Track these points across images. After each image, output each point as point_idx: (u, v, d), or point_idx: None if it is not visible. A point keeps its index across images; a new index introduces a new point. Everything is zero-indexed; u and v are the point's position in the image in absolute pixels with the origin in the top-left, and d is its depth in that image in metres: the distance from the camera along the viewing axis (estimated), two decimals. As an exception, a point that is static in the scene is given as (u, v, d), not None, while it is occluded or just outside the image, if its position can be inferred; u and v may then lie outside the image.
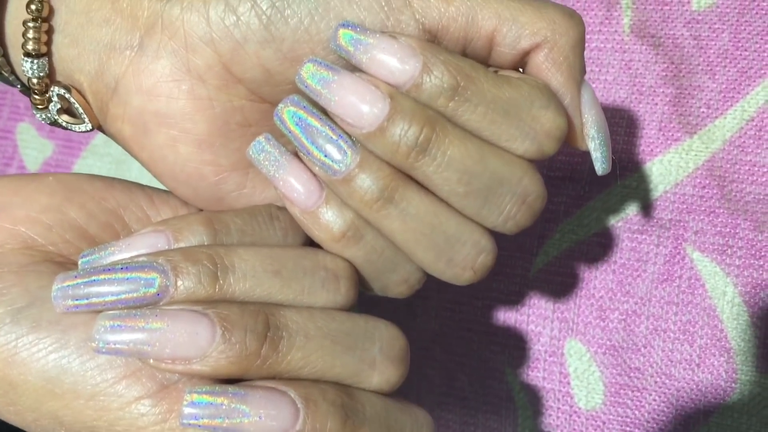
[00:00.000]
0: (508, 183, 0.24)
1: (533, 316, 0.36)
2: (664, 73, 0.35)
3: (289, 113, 0.24)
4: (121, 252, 0.24)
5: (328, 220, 0.25)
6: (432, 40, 0.25)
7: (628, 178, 0.35)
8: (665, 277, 0.34)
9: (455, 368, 0.37)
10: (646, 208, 0.35)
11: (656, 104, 0.35)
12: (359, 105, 0.24)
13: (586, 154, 0.36)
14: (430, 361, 0.37)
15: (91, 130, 0.26)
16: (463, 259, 0.25)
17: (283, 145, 0.26)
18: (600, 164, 0.27)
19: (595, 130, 0.26)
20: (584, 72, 0.26)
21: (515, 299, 0.36)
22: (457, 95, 0.24)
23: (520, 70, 0.26)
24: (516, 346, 0.36)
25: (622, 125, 0.36)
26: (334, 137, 0.24)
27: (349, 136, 0.24)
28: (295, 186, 0.25)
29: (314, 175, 0.25)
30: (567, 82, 0.25)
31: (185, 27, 0.24)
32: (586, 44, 0.37)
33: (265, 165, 0.25)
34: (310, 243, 0.27)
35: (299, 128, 0.24)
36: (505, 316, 0.36)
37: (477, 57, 0.26)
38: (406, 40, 0.24)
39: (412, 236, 0.25)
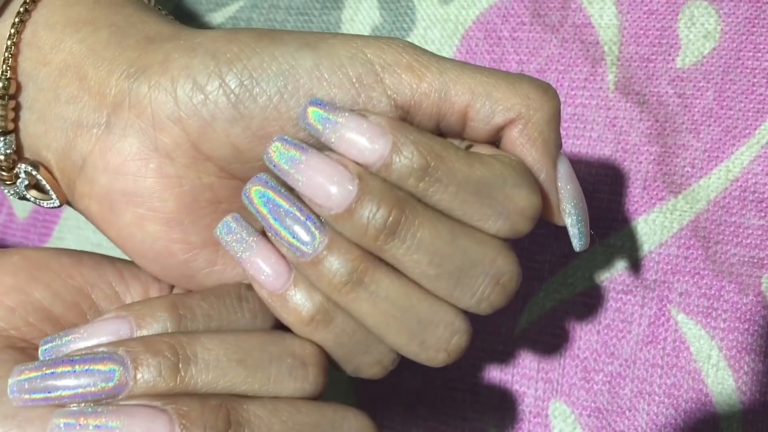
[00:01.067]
0: (480, 264, 0.24)
1: (518, 376, 0.35)
2: (648, 131, 0.35)
3: (257, 193, 0.24)
4: (82, 340, 0.24)
5: (297, 302, 0.25)
6: (405, 116, 0.24)
7: (612, 237, 0.35)
8: (650, 339, 0.33)
9: (439, 427, 0.36)
10: (631, 268, 0.34)
11: (641, 162, 0.35)
12: (327, 186, 0.23)
13: (571, 212, 0.35)
14: (413, 420, 0.37)
15: (60, 206, 0.26)
16: (437, 341, 0.25)
17: (251, 225, 0.25)
18: (577, 240, 0.26)
19: (571, 205, 0.26)
20: (560, 146, 0.26)
21: (500, 358, 0.36)
22: (427, 175, 0.23)
23: (496, 144, 0.26)
24: (500, 406, 0.36)
25: (606, 183, 0.35)
26: (302, 218, 0.24)
27: (318, 217, 0.24)
28: (262, 268, 0.25)
29: (283, 256, 0.25)
30: (542, 158, 0.25)
31: (153, 105, 0.24)
32: (571, 100, 0.37)
33: (232, 246, 0.25)
34: (280, 324, 0.27)
35: (267, 208, 0.24)
36: (490, 376, 0.36)
37: (451, 132, 0.25)
38: (375, 118, 0.23)
39: (383, 319, 0.24)
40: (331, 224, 0.24)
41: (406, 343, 0.25)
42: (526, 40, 0.38)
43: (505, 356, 0.36)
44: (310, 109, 0.24)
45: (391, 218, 0.23)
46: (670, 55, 0.35)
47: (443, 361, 0.25)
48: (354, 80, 0.24)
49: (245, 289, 0.26)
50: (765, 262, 0.33)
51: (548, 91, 0.25)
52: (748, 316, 0.32)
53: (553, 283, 0.35)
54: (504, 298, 0.25)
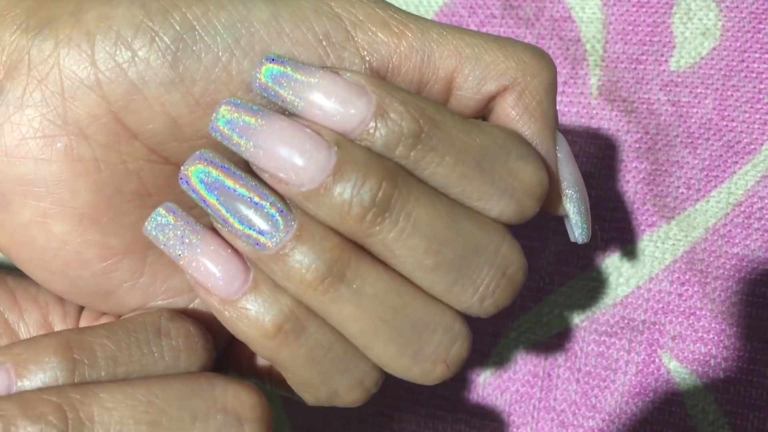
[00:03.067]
0: (484, 251, 0.20)
1: (485, 430, 0.31)
2: (637, 145, 0.30)
3: (197, 174, 0.20)
4: None
5: (258, 310, 0.20)
6: None
7: (594, 270, 0.30)
8: (637, 390, 0.29)
9: (395, 487, 0.32)
10: (616, 307, 0.29)
11: (628, 182, 0.30)
12: (295, 156, 0.19)
13: (546, 237, 0.31)
14: (366, 477, 0.32)
15: None
16: (434, 350, 0.21)
17: (194, 217, 0.21)
18: (579, 231, 0.22)
19: (573, 189, 0.22)
20: (558, 121, 0.22)
21: (464, 409, 0.31)
22: (420, 143, 0.19)
23: (484, 118, 0.22)
24: (464, 463, 0.31)
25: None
26: (261, 201, 0.19)
27: (282, 198, 0.20)
28: (210, 269, 0.20)
29: (237, 252, 0.20)
30: (542, 132, 0.21)
31: (61, 66, 0.19)
32: (548, 108, 0.32)
33: (168, 244, 0.20)
34: (216, 363, 0.22)
35: (212, 193, 0.20)
36: (453, 429, 0.31)
37: None
38: (352, 76, 0.19)
39: (370, 324, 0.20)
40: (301, 206, 0.19)
41: (397, 354, 0.21)
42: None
43: (470, 406, 0.31)
44: (266, 67, 0.19)
45: (381, 192, 0.19)
46: (662, 55, 0.30)
47: (441, 376, 0.21)
48: (320, 37, 0.20)
49: (167, 320, 0.21)
50: (772, 302, 0.28)
51: (544, 56, 0.21)
52: (751, 366, 0.28)
53: (525, 321, 0.30)
54: (510, 293, 0.21)
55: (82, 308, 0.24)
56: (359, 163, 0.19)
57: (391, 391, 0.31)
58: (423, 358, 0.21)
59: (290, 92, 0.19)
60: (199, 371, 0.21)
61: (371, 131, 0.19)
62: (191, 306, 0.23)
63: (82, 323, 0.23)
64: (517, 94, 0.21)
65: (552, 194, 0.22)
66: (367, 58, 0.20)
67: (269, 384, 0.24)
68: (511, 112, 0.21)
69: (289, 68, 0.19)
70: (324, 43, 0.20)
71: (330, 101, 0.19)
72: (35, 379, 0.19)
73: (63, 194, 0.20)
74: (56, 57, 0.20)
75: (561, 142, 0.22)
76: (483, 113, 0.22)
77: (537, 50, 0.22)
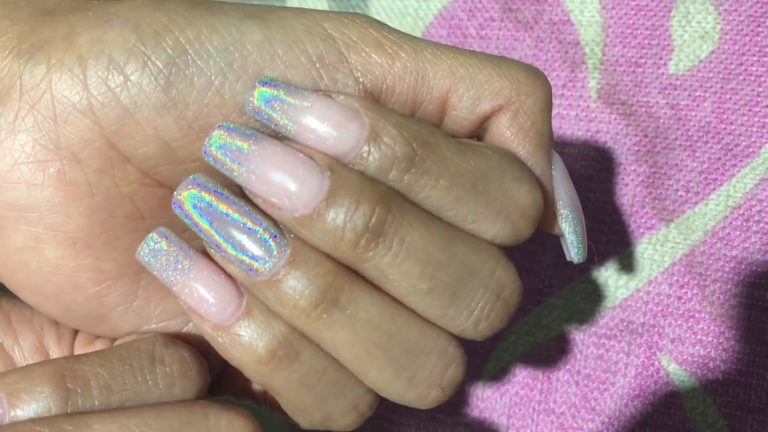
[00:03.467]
0: (479, 275, 0.20)
1: (484, 432, 0.31)
2: (636, 148, 0.30)
3: (190, 199, 0.20)
4: None
5: (251, 336, 0.20)
6: None
7: (593, 273, 0.30)
8: (637, 392, 0.29)
9: (395, 489, 0.32)
10: (615, 309, 0.30)
11: (627, 185, 0.30)
12: (288, 181, 0.19)
13: (545, 240, 0.31)
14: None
15: None
16: (429, 374, 0.21)
17: (186, 241, 0.21)
18: (576, 251, 0.22)
19: (568, 209, 0.22)
20: (553, 141, 0.22)
21: (464, 412, 0.31)
22: (413, 166, 0.19)
23: (478, 138, 0.22)
24: (464, 466, 0.31)
25: (586, 209, 0.30)
26: (254, 227, 0.19)
27: (275, 223, 0.20)
28: (203, 295, 0.20)
29: (230, 277, 0.20)
30: (537, 152, 0.21)
31: (53, 91, 0.19)
32: (547, 111, 0.32)
33: (161, 270, 0.20)
34: (212, 385, 0.22)
35: (205, 218, 0.19)
36: None
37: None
38: (346, 99, 0.19)
39: (364, 349, 0.20)
40: (294, 231, 0.19)
41: (392, 378, 0.21)
42: (495, 39, 0.33)
43: (469, 410, 0.31)
44: (259, 90, 0.19)
45: (374, 218, 0.19)
46: (661, 58, 0.31)
47: (436, 400, 0.21)
48: (314, 59, 0.20)
49: (161, 346, 0.21)
50: (771, 304, 0.28)
51: (539, 75, 0.21)
52: (750, 369, 0.28)
53: (525, 325, 0.30)
54: (505, 316, 0.21)
55: (77, 331, 0.24)
56: (352, 188, 0.19)
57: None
58: (418, 383, 0.21)
59: (283, 116, 0.19)
60: (194, 398, 0.21)
61: (365, 155, 0.19)
62: (185, 329, 0.23)
63: (77, 346, 0.23)
64: (512, 114, 0.21)
65: (547, 214, 0.22)
66: (361, 80, 0.20)
67: (264, 406, 0.24)
68: (505, 132, 0.21)
69: (282, 92, 0.19)
70: (317, 65, 0.20)
71: (323, 125, 0.19)
72: (28, 408, 0.19)
73: (56, 219, 0.20)
74: (48, 82, 0.19)
75: (557, 161, 0.22)
76: (478, 133, 0.22)
77: (531, 69, 0.21)
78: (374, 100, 0.20)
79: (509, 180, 0.20)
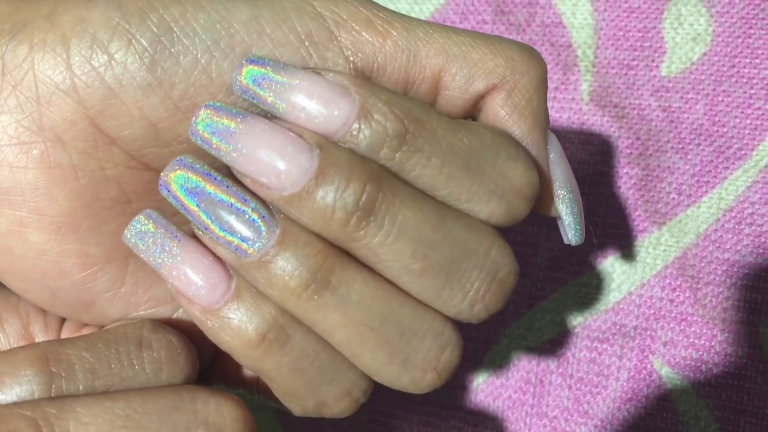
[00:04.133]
0: (474, 255, 0.20)
1: (477, 436, 0.31)
2: (628, 151, 0.30)
3: (177, 180, 0.19)
4: None
5: (241, 319, 0.20)
6: None
7: (586, 276, 0.30)
8: (629, 395, 0.29)
9: (388, 493, 0.32)
10: (608, 312, 0.29)
11: (619, 188, 0.30)
12: (276, 160, 0.18)
13: (538, 243, 0.31)
14: (359, 484, 0.32)
15: None
16: (424, 357, 0.20)
17: (174, 224, 0.20)
18: (573, 233, 0.22)
19: (565, 190, 0.21)
20: (549, 121, 0.21)
21: (457, 416, 0.31)
22: (405, 144, 0.19)
23: (472, 118, 0.22)
24: (457, 469, 0.31)
25: (579, 212, 0.30)
26: (242, 207, 0.19)
27: (264, 203, 0.19)
28: (191, 278, 0.20)
29: (218, 259, 0.20)
30: (532, 131, 0.21)
31: (36, 71, 0.19)
32: (539, 113, 0.32)
33: (148, 252, 0.20)
34: (203, 373, 0.21)
35: (193, 199, 0.19)
36: (445, 435, 0.31)
37: None
38: (335, 76, 0.19)
39: (356, 332, 0.19)
40: (283, 211, 0.19)
41: (386, 362, 0.20)
42: (487, 42, 0.33)
43: (463, 413, 0.31)
44: (247, 68, 0.19)
45: (365, 196, 0.18)
46: (653, 60, 0.30)
47: (431, 384, 0.21)
48: (303, 37, 0.19)
49: (149, 331, 0.21)
50: (764, 307, 0.28)
51: (534, 54, 0.21)
52: (742, 372, 0.28)
53: (517, 328, 0.30)
54: (501, 297, 0.20)
55: (64, 319, 0.23)
56: (342, 166, 0.19)
57: (384, 398, 0.31)
58: (412, 366, 0.20)
59: (272, 94, 0.19)
60: (181, 383, 0.21)
61: (355, 133, 0.19)
62: (175, 316, 0.23)
63: (64, 334, 0.23)
64: (506, 93, 0.20)
65: (544, 195, 0.21)
66: (351, 58, 0.20)
67: (257, 394, 0.23)
68: (500, 111, 0.21)
69: (270, 70, 0.19)
70: (306, 43, 0.19)
71: (312, 103, 0.19)
72: (11, 392, 0.19)
73: (40, 202, 0.20)
74: (31, 62, 0.19)
75: (552, 142, 0.22)
76: (472, 113, 0.21)
77: (526, 47, 0.21)
78: (365, 78, 0.20)
79: (503, 158, 0.20)
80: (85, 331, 0.23)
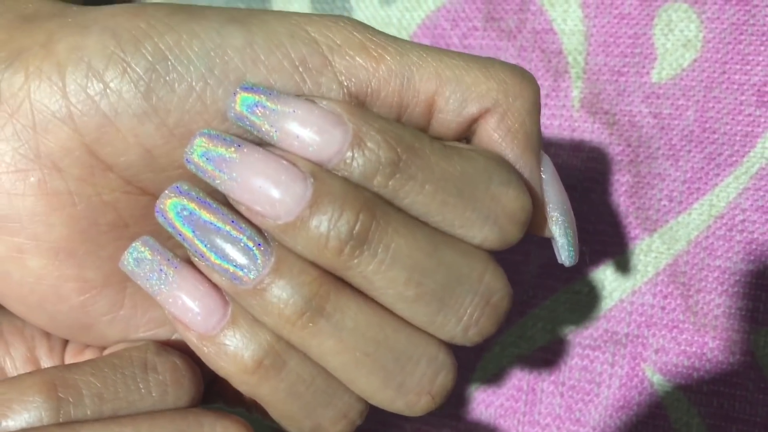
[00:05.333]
0: (467, 280, 0.20)
1: (469, 444, 0.31)
2: (619, 158, 0.30)
3: (173, 207, 0.19)
4: None
5: (237, 346, 0.20)
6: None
7: (578, 283, 0.30)
8: (621, 403, 0.29)
9: (381, 501, 0.32)
10: (599, 320, 0.29)
11: (610, 194, 0.30)
12: (270, 188, 0.19)
13: (529, 251, 0.31)
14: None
15: None
16: (418, 381, 0.20)
17: (170, 250, 0.21)
18: (567, 254, 0.22)
19: (559, 212, 0.22)
20: (542, 143, 0.21)
21: (449, 424, 0.31)
22: (398, 172, 0.19)
23: (466, 141, 0.22)
24: (450, 477, 0.31)
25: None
26: (238, 235, 0.19)
27: (259, 231, 0.19)
28: (188, 304, 0.20)
29: (215, 286, 0.20)
30: (525, 154, 0.21)
31: (32, 99, 0.19)
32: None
33: (145, 279, 0.20)
34: (206, 390, 0.22)
35: (189, 226, 0.19)
36: (438, 443, 0.31)
37: (414, 127, 0.21)
38: (329, 104, 0.19)
39: (351, 358, 0.20)
40: (278, 239, 0.19)
41: (381, 387, 0.20)
42: (478, 48, 0.33)
43: (455, 421, 0.31)
44: (241, 96, 0.19)
45: (358, 225, 0.19)
46: (644, 67, 0.30)
47: (426, 407, 0.21)
48: (297, 63, 0.20)
49: (153, 354, 0.21)
50: (755, 314, 0.28)
51: (526, 76, 0.21)
52: (734, 379, 0.28)
53: (510, 335, 0.30)
54: (495, 322, 0.21)
55: (67, 341, 0.24)
56: (336, 195, 0.19)
57: (372, 410, 0.31)
58: (407, 390, 0.21)
59: (266, 122, 0.19)
60: (187, 405, 0.21)
61: (348, 161, 0.19)
62: (174, 337, 0.23)
63: (67, 356, 0.23)
64: (499, 116, 0.21)
65: (537, 217, 0.22)
66: (345, 83, 0.20)
67: (255, 413, 0.24)
68: (493, 135, 0.21)
69: (264, 97, 0.19)
70: (300, 69, 0.20)
71: (306, 131, 0.19)
72: (19, 419, 0.19)
73: (38, 228, 0.20)
74: (27, 90, 0.19)
75: (546, 164, 0.22)
76: (465, 136, 0.22)
77: (519, 70, 0.21)
78: (359, 104, 0.20)
79: (497, 184, 0.20)
80: (88, 353, 0.23)
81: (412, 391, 0.21)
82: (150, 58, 0.19)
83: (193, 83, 0.19)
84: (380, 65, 0.20)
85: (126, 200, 0.21)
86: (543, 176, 0.22)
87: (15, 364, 0.23)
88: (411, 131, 0.20)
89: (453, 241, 0.20)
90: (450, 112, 0.21)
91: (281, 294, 0.19)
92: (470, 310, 0.20)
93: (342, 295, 0.20)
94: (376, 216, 0.19)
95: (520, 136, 0.21)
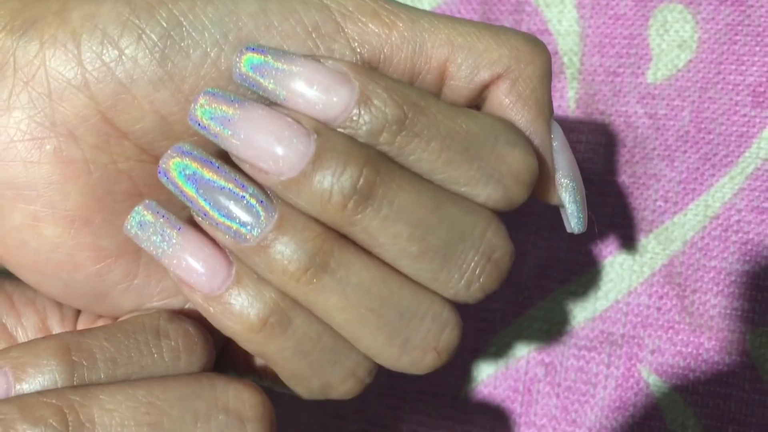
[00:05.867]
0: (470, 237, 0.20)
1: (465, 445, 0.31)
2: (615, 158, 0.30)
3: (176, 167, 0.20)
4: None
5: (242, 304, 0.20)
6: None
7: (574, 284, 0.30)
8: (617, 404, 0.29)
9: (377, 503, 0.32)
10: (595, 321, 0.29)
11: (606, 195, 0.30)
12: (274, 145, 0.19)
13: (525, 251, 0.31)
14: (348, 494, 0.32)
15: None
16: (423, 337, 0.20)
17: (174, 213, 0.21)
18: (576, 221, 0.22)
19: (569, 178, 0.22)
20: (552, 110, 0.22)
21: (445, 424, 0.31)
22: (404, 129, 0.19)
23: (477, 108, 0.22)
24: (446, 479, 0.31)
25: (566, 220, 0.30)
26: (240, 192, 0.19)
27: (262, 189, 0.19)
28: (192, 265, 0.20)
29: (218, 246, 0.20)
30: (536, 120, 0.21)
31: (48, 67, 0.19)
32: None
33: (149, 242, 0.20)
34: (215, 361, 0.21)
35: (192, 185, 0.19)
36: (434, 444, 0.31)
37: None
38: (334, 63, 0.19)
39: (356, 314, 0.20)
40: (281, 196, 0.19)
41: (386, 343, 0.20)
42: (474, 49, 0.33)
43: (450, 423, 0.31)
44: (246, 56, 0.19)
45: (362, 180, 0.19)
46: (639, 68, 0.30)
47: (432, 364, 0.21)
48: (310, 29, 0.20)
49: (165, 321, 0.21)
50: (750, 315, 0.28)
51: (538, 44, 0.21)
52: (730, 380, 0.28)
53: (505, 336, 0.30)
54: (497, 278, 0.21)
55: (79, 312, 0.24)
56: (339, 151, 0.19)
57: (372, 408, 0.31)
58: (412, 347, 0.21)
59: (272, 81, 0.19)
60: (199, 371, 0.21)
61: (355, 118, 0.19)
62: (187, 306, 0.23)
63: (80, 326, 0.23)
64: (511, 82, 0.21)
65: (547, 184, 0.22)
66: (358, 50, 0.20)
67: (267, 381, 0.23)
68: (504, 100, 0.21)
69: (270, 57, 0.19)
70: (314, 35, 0.20)
71: (312, 89, 0.19)
72: (34, 382, 0.19)
73: (53, 197, 0.20)
74: (42, 58, 0.19)
75: (556, 131, 0.22)
76: (477, 102, 0.22)
77: (530, 38, 0.21)
78: (371, 68, 0.20)
79: (502, 143, 0.20)
80: (100, 323, 0.23)
81: (417, 347, 0.21)
82: (165, 24, 0.19)
83: (208, 49, 0.19)
84: (392, 32, 0.20)
85: (141, 168, 0.21)
86: (553, 143, 0.22)
87: (27, 334, 0.23)
88: (417, 90, 0.20)
89: (456, 199, 0.20)
90: (462, 79, 0.21)
91: (285, 250, 0.19)
92: (473, 266, 0.20)
93: (346, 252, 0.20)
94: (380, 171, 0.19)
95: (531, 102, 0.21)
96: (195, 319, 0.22)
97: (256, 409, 0.20)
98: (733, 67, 0.30)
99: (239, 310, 0.20)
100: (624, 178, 0.30)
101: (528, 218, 0.31)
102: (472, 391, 0.31)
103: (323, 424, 0.32)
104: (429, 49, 0.20)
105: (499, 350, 0.30)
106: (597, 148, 0.30)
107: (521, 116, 0.21)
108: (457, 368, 0.31)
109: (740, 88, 0.29)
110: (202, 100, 0.19)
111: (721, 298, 0.28)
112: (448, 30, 0.20)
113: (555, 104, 0.31)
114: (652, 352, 0.29)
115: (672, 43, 0.30)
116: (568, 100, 0.31)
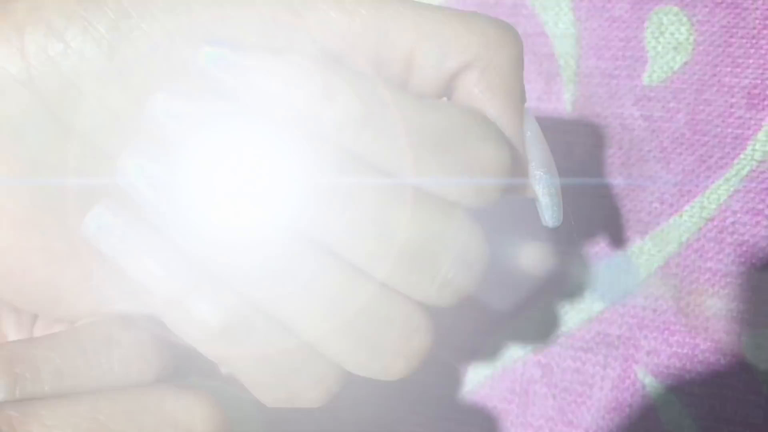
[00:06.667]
0: (441, 238, 0.19)
1: (462, 446, 0.31)
2: (610, 160, 0.30)
3: (133, 165, 0.19)
4: None
5: (202, 310, 0.19)
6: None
7: (569, 285, 0.30)
8: (613, 405, 0.29)
9: (374, 504, 0.32)
10: (592, 322, 0.30)
11: (602, 197, 0.30)
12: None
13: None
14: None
15: None
16: (393, 344, 0.20)
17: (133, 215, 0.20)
18: (550, 213, 0.21)
19: (542, 171, 0.21)
20: (525, 99, 0.21)
21: (442, 425, 0.31)
22: (369, 125, 0.18)
23: (446, 98, 0.21)
24: (443, 480, 0.31)
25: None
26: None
27: None
28: (151, 268, 0.19)
29: (178, 249, 0.19)
30: (506, 110, 0.20)
31: None
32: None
33: (106, 243, 0.19)
34: (170, 370, 0.21)
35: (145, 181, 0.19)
36: (431, 445, 0.31)
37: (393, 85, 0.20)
38: (296, 57, 0.18)
39: (321, 319, 0.19)
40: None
41: (353, 350, 0.19)
42: (471, 51, 0.33)
43: (448, 424, 0.31)
44: (204, 51, 0.18)
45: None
46: (635, 70, 0.31)
47: (402, 371, 0.20)
48: (268, 18, 0.19)
49: (118, 329, 0.20)
50: (746, 316, 0.28)
51: (509, 30, 0.20)
52: (726, 381, 0.28)
53: (501, 337, 0.30)
54: (471, 280, 0.20)
55: (36, 317, 0.23)
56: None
57: (369, 409, 0.31)
58: (381, 353, 0.20)
59: (228, 76, 0.18)
60: (153, 381, 0.20)
61: (316, 116, 0.18)
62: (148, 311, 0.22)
63: (36, 332, 0.23)
64: (480, 71, 0.20)
65: (519, 176, 0.21)
66: (319, 40, 0.19)
67: (234, 387, 0.23)
68: (473, 90, 0.20)
69: (228, 51, 0.18)
70: (272, 25, 0.19)
71: (272, 85, 0.18)
72: None
73: (1, 199, 0.19)
74: None
75: (529, 121, 0.21)
76: (446, 93, 0.21)
77: (501, 24, 0.20)
78: (333, 60, 0.19)
79: (473, 139, 0.19)
80: (57, 328, 0.22)
81: (386, 354, 0.20)
82: (112, 15, 0.18)
83: (159, 41, 0.18)
84: (355, 19, 0.19)
85: (92, 167, 0.20)
86: (526, 133, 0.21)
87: None
88: (383, 83, 0.19)
89: (426, 197, 0.19)
90: (429, 68, 0.20)
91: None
92: (445, 268, 0.19)
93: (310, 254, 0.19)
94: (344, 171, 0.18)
95: (501, 91, 0.20)
96: (156, 322, 0.21)
97: (207, 424, 0.19)
98: (729, 69, 0.30)
99: (199, 316, 0.19)
100: (620, 180, 0.30)
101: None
102: (468, 393, 0.31)
103: (319, 425, 0.32)
104: (394, 38, 0.19)
105: (495, 352, 0.30)
106: (593, 150, 0.31)
107: (491, 106, 0.20)
108: (453, 370, 0.31)
109: (736, 90, 0.29)
110: (159, 97, 0.18)
111: (717, 300, 0.28)
112: (414, 16, 0.19)
113: (552, 107, 0.31)
114: (648, 353, 0.29)
115: (668, 45, 0.30)
116: (564, 103, 0.31)
